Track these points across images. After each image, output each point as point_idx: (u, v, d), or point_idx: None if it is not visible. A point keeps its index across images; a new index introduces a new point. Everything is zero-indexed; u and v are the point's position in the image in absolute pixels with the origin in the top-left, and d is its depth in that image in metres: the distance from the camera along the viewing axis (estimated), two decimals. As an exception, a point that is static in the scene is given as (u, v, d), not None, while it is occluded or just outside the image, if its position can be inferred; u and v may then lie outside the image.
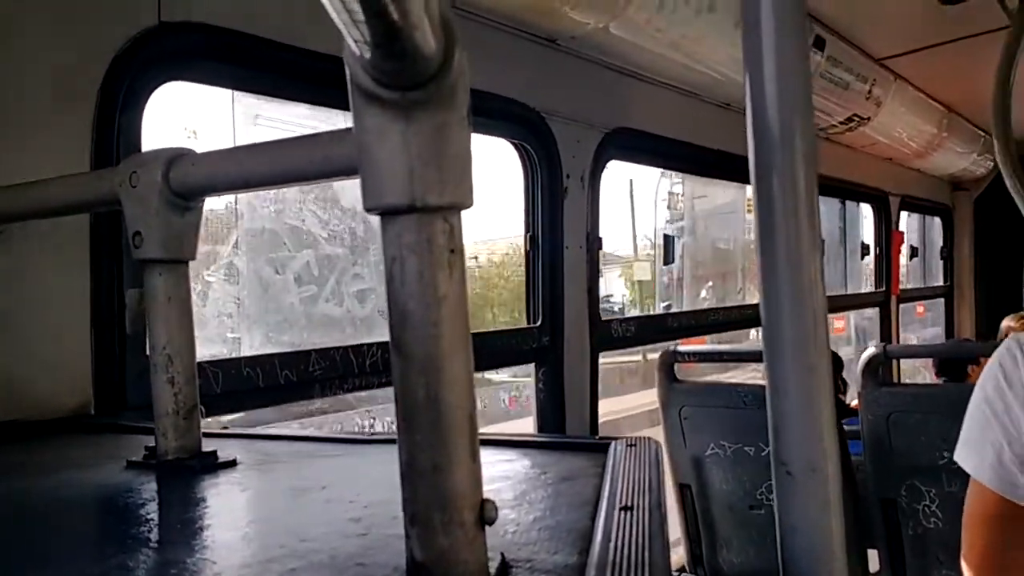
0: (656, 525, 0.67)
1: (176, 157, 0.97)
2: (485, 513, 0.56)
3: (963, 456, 1.35)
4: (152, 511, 0.86)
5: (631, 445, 0.95)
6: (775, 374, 0.73)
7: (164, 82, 1.65)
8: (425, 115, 0.51)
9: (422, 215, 0.52)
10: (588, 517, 0.71)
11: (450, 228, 0.54)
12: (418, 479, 0.55)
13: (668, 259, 3.76)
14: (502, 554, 0.62)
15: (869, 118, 4.19)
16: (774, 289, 0.73)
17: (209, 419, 1.52)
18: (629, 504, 0.72)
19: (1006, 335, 4.84)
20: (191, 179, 0.96)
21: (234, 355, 1.98)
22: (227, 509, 0.89)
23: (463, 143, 0.53)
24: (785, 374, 0.73)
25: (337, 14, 0.42)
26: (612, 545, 0.63)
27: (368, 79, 0.49)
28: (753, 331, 4.11)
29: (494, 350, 2.57)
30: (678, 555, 3.35)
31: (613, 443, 0.96)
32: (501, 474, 0.92)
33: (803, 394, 0.73)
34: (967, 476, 1.37)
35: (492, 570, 0.59)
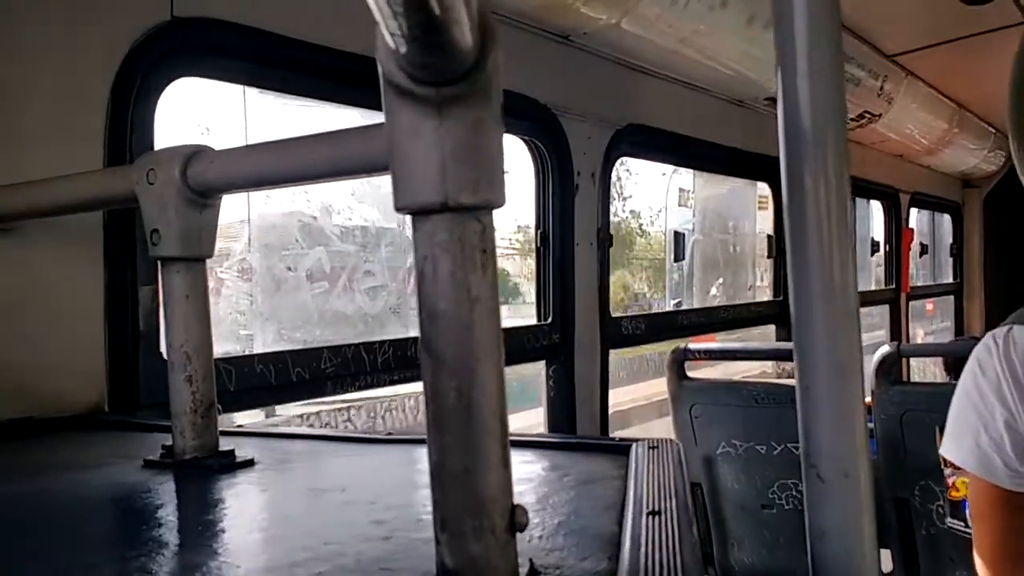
0: (685, 530, 0.66)
1: (194, 154, 0.96)
2: (516, 519, 0.55)
3: (946, 448, 1.40)
4: (171, 512, 0.86)
5: (653, 447, 0.94)
6: (806, 373, 0.72)
7: (177, 78, 1.64)
8: (460, 111, 0.50)
9: (455, 214, 0.51)
10: (615, 522, 0.70)
11: (482, 228, 0.52)
12: (449, 482, 0.54)
13: (678, 256, 3.74)
14: (531, 560, 0.61)
15: (880, 115, 4.18)
16: (805, 288, 0.72)
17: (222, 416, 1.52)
18: (656, 509, 0.71)
19: None
20: (209, 176, 0.95)
21: (247, 352, 1.98)
22: (247, 510, 0.88)
23: (497, 141, 0.52)
24: (816, 374, 0.71)
25: (376, 5, 0.41)
26: (642, 551, 0.62)
27: (402, 75, 0.48)
28: (756, 330, 4.09)
29: (504, 347, 2.56)
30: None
31: (634, 445, 0.95)
32: (522, 476, 0.91)
33: (835, 395, 0.71)
34: None
35: (522, 576, 0.58)
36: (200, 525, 0.81)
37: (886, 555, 2.91)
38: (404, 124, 0.50)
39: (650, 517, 0.69)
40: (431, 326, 0.53)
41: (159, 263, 1.04)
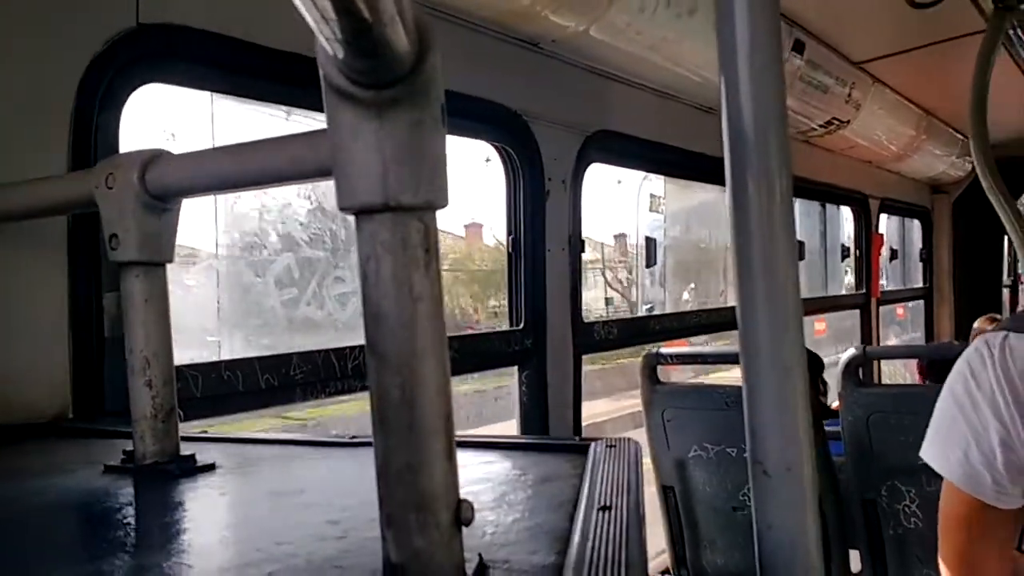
0: (634, 524, 0.67)
1: (152, 158, 0.97)
2: (461, 513, 0.56)
3: (930, 455, 1.36)
4: (129, 516, 0.86)
5: (611, 446, 0.95)
6: (751, 374, 0.73)
7: (142, 84, 1.63)
8: (399, 114, 0.51)
9: (396, 214, 0.52)
10: (567, 518, 0.71)
11: (425, 228, 0.53)
12: (393, 480, 0.55)
13: (650, 261, 3.77)
14: (480, 555, 0.62)
15: (848, 121, 4.22)
16: (750, 291, 0.74)
17: (189, 423, 1.51)
18: (607, 504, 0.72)
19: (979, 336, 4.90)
20: (168, 180, 0.96)
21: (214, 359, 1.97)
22: (205, 513, 0.89)
23: (437, 142, 0.53)
24: (761, 375, 0.73)
25: (308, 11, 0.42)
26: (589, 545, 0.63)
27: (341, 77, 0.49)
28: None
29: (476, 353, 2.57)
30: (662, 558, 3.36)
31: (593, 444, 0.96)
32: (482, 476, 0.92)
33: (778, 394, 0.73)
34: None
35: (469, 571, 0.58)
36: (157, 528, 0.81)
37: (854, 555, 2.94)
38: (345, 126, 0.51)
39: (601, 512, 0.71)
40: (375, 326, 0.54)
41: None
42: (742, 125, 0.73)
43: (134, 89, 1.61)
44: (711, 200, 4.53)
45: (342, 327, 2.61)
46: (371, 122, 0.51)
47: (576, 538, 0.65)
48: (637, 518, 0.69)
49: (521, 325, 2.72)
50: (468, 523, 0.56)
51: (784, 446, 0.71)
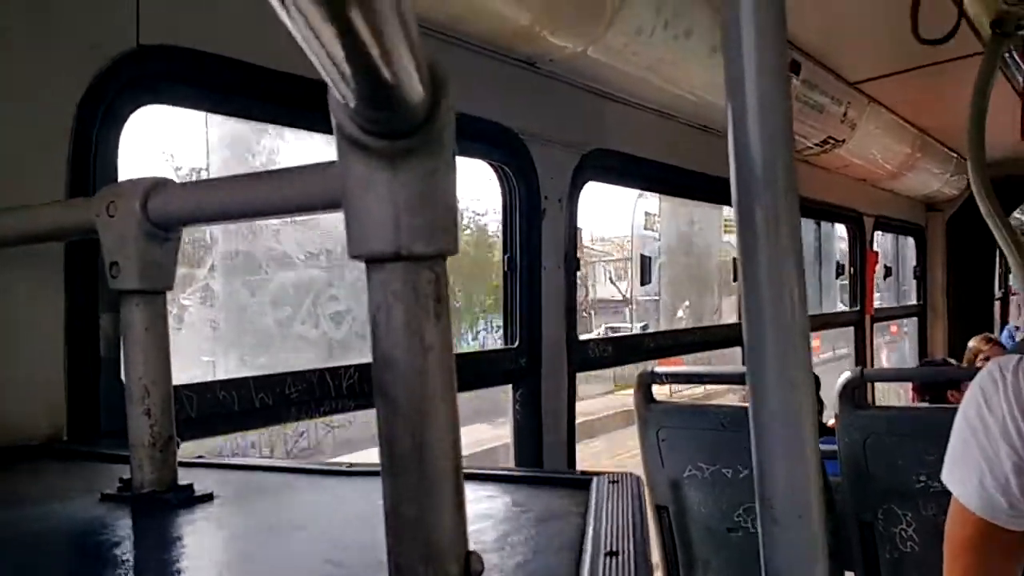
0: (643, 571, 0.66)
1: (154, 187, 0.96)
2: (471, 566, 0.55)
3: (950, 480, 1.36)
4: (127, 551, 0.85)
5: (613, 482, 0.94)
6: (757, 393, 0.73)
7: (142, 105, 1.63)
8: (412, 163, 0.50)
9: (408, 263, 0.52)
10: (573, 563, 0.71)
11: (436, 277, 0.53)
12: (403, 529, 0.54)
13: (645, 279, 3.76)
14: (487, 603, 0.61)
15: (844, 140, 4.24)
16: (757, 311, 0.73)
17: (186, 443, 1.50)
18: (614, 549, 0.71)
19: (974, 356, 4.91)
20: (170, 209, 0.95)
21: (208, 378, 1.96)
22: (204, 549, 0.88)
23: (450, 190, 0.53)
24: (768, 393, 0.73)
25: (323, 67, 0.41)
26: (598, 593, 0.63)
27: (354, 127, 0.49)
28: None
29: (470, 372, 2.56)
30: (655, 577, 3.35)
31: (595, 479, 0.95)
32: (483, 512, 0.91)
33: (786, 413, 0.72)
34: (944, 500, 1.37)
35: (478, 622, 0.58)
36: (156, 563, 0.80)
37: (850, 577, 2.93)
38: (357, 174, 0.51)
39: (608, 558, 0.70)
40: (385, 373, 0.53)
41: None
42: (748, 146, 0.73)
43: (134, 110, 1.61)
44: (705, 217, 4.55)
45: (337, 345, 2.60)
46: (384, 172, 0.50)
47: (584, 585, 0.65)
48: (645, 565, 0.68)
49: (516, 343, 2.71)
50: None
51: (794, 489, 0.70)
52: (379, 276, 0.52)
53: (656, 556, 3.26)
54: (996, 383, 1.29)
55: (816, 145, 4.13)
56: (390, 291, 0.52)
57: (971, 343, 4.87)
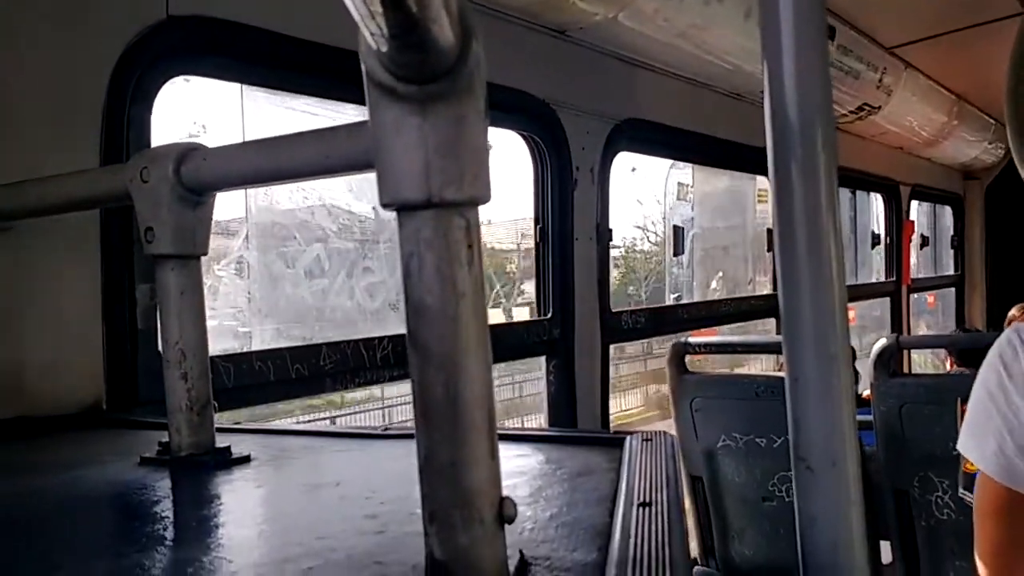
0: (675, 521, 0.66)
1: (187, 152, 0.97)
2: (504, 511, 0.56)
3: (966, 446, 1.35)
4: (167, 509, 0.86)
5: (647, 439, 0.94)
6: (795, 364, 0.72)
7: (173, 76, 1.64)
8: (442, 108, 0.50)
9: (439, 210, 0.52)
10: (606, 513, 0.71)
11: (467, 223, 0.53)
12: (437, 476, 0.54)
13: (678, 250, 3.75)
14: (521, 552, 0.62)
15: (880, 107, 4.17)
16: (794, 280, 0.72)
17: (222, 413, 1.52)
18: (647, 500, 0.71)
19: (1010, 324, 4.83)
20: (203, 174, 0.96)
21: (245, 349, 1.99)
22: (242, 506, 0.89)
23: (480, 137, 0.53)
24: (805, 364, 0.72)
25: (355, 7, 0.41)
26: (632, 542, 0.63)
27: (384, 73, 0.49)
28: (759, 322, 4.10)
29: (505, 343, 2.57)
30: (689, 547, 3.35)
31: (628, 438, 0.95)
32: (516, 469, 0.91)
33: (823, 384, 0.72)
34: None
35: (511, 568, 0.58)
36: (195, 521, 0.82)
37: (885, 546, 2.91)
38: (387, 121, 0.51)
39: (641, 508, 0.70)
40: (417, 321, 0.53)
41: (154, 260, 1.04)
42: (786, 113, 0.72)
43: (165, 82, 1.62)
44: (738, 187, 4.50)
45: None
46: (414, 117, 0.50)
47: (617, 535, 0.65)
48: (679, 515, 0.68)
49: (549, 315, 2.71)
50: (511, 521, 0.56)
51: (828, 441, 0.70)
52: (410, 224, 0.52)
53: (690, 524, 3.26)
54: (1016, 349, 1.28)
55: (851, 112, 4.07)
56: (421, 238, 0.52)
57: (1012, 311, 4.79)
